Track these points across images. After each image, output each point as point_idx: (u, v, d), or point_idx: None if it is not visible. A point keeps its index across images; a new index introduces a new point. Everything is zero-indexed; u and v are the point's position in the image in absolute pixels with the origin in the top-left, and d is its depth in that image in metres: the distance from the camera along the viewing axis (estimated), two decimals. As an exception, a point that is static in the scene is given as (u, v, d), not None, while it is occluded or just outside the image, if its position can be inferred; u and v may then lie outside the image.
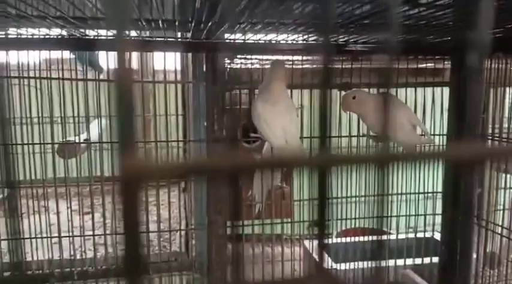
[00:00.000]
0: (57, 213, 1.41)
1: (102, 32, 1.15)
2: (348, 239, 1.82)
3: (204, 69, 1.30)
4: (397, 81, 1.42)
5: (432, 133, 1.42)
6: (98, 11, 0.92)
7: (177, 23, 1.05)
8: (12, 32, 1.16)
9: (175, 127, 1.59)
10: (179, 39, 1.30)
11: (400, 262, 1.61)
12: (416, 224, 1.58)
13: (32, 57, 1.36)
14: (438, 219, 1.56)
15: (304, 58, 1.45)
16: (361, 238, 1.79)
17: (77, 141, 1.51)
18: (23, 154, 1.40)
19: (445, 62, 1.50)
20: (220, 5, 0.84)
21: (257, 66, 1.48)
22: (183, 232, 1.65)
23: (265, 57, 1.47)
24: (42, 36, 1.18)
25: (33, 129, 1.37)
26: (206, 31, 1.10)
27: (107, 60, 1.38)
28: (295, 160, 0.23)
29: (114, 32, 0.18)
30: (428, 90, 1.52)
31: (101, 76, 1.47)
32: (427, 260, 1.59)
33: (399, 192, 1.56)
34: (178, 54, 1.46)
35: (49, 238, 1.40)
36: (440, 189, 1.57)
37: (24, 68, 1.36)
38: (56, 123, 1.37)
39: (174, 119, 1.56)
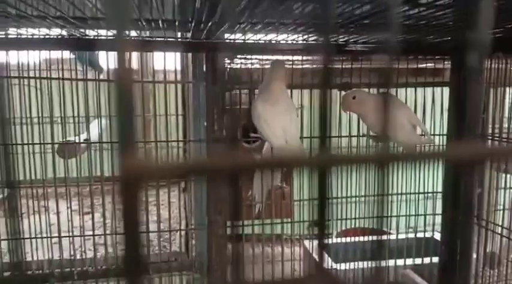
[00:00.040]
0: (57, 213, 1.41)
1: (102, 32, 1.15)
2: (348, 239, 1.82)
3: (204, 69, 1.30)
4: (397, 81, 1.42)
5: (432, 133, 1.42)
6: (98, 11, 0.92)
7: (177, 23, 1.05)
8: (12, 32, 1.16)
9: (175, 127, 1.59)
10: (179, 39, 1.30)
11: (400, 262, 1.61)
12: (416, 224, 1.58)
13: (32, 57, 1.35)
14: (438, 219, 1.56)
15: (304, 58, 1.45)
16: (361, 238, 1.79)
17: (77, 141, 1.51)
18: (23, 154, 1.40)
19: (445, 62, 1.50)
20: (220, 5, 0.84)
21: (257, 66, 1.48)
22: (183, 232, 1.65)
23: (265, 57, 1.47)
24: (42, 36, 1.18)
25: (33, 129, 1.37)
26: (206, 31, 1.10)
27: (107, 60, 1.38)
28: (295, 160, 0.23)
29: (114, 32, 0.18)
30: (428, 90, 1.52)
31: (101, 76, 1.47)
32: (427, 260, 1.59)
33: (399, 192, 1.56)
34: (178, 54, 1.46)
35: (49, 238, 1.40)
36: (440, 189, 1.57)
37: (24, 67, 1.36)
38: (56, 123, 1.37)
39: (174, 119, 1.56)
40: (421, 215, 1.58)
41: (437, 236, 1.67)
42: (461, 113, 1.34)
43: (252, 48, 1.27)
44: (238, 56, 1.39)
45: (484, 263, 1.42)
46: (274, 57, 1.34)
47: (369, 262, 1.61)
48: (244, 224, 1.47)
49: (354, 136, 1.47)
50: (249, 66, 1.48)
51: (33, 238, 1.39)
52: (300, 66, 1.52)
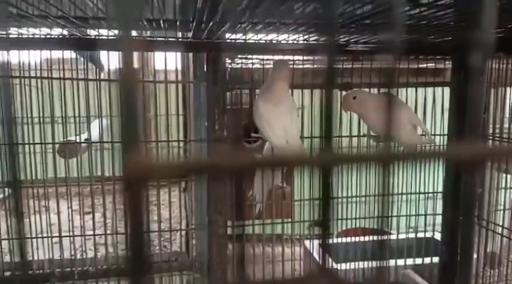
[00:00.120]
0: (58, 213, 1.41)
1: (104, 31, 1.15)
2: (349, 239, 1.82)
3: (205, 69, 1.30)
4: (398, 81, 1.42)
5: (433, 133, 1.42)
6: (99, 11, 0.92)
7: (178, 23, 1.05)
8: (14, 31, 1.16)
9: (176, 127, 1.59)
10: (180, 39, 1.30)
11: (400, 262, 1.61)
12: (416, 224, 1.58)
13: (33, 57, 1.35)
14: (438, 219, 1.56)
15: (305, 58, 1.45)
16: (362, 238, 1.79)
17: (78, 140, 1.51)
18: (24, 153, 1.40)
19: (446, 62, 1.50)
20: (221, 5, 0.84)
21: (258, 66, 1.48)
22: (183, 232, 1.65)
23: (266, 57, 1.47)
24: (43, 36, 1.18)
25: (34, 129, 1.37)
26: (207, 31, 1.10)
27: (108, 59, 1.38)
28: (298, 159, 0.23)
29: (120, 31, 0.18)
30: (429, 90, 1.52)
31: (102, 76, 1.47)
32: (427, 260, 1.59)
33: (400, 192, 1.56)
34: (179, 54, 1.46)
35: (50, 238, 1.40)
36: (440, 189, 1.57)
37: (25, 67, 1.36)
38: (56, 122, 1.37)
39: (174, 119, 1.56)
40: (422, 215, 1.58)
41: (438, 236, 1.67)
42: (462, 113, 1.34)
43: (253, 48, 1.27)
44: (239, 56, 1.39)
45: (484, 263, 1.42)
46: (275, 57, 1.34)
47: (370, 262, 1.61)
48: (244, 224, 1.47)
49: (355, 136, 1.47)
50: (250, 66, 1.48)
51: (34, 237, 1.39)
52: (301, 66, 1.52)
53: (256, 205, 1.52)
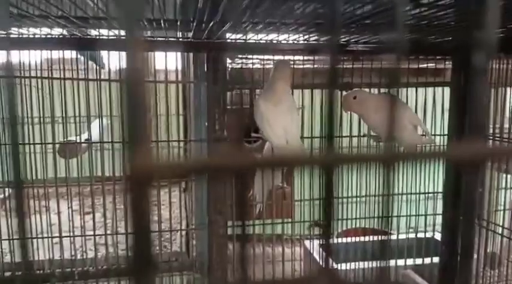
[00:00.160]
0: (58, 213, 1.41)
1: (104, 31, 1.15)
2: (349, 239, 1.82)
3: (205, 69, 1.30)
4: (399, 81, 1.42)
5: (433, 133, 1.42)
6: (100, 11, 0.92)
7: (178, 23, 1.05)
8: (14, 31, 1.16)
9: (176, 127, 1.59)
10: (180, 39, 1.30)
11: (400, 262, 1.61)
12: (417, 224, 1.58)
13: (33, 57, 1.35)
14: (439, 219, 1.56)
15: (305, 58, 1.45)
16: (362, 238, 1.79)
17: (78, 140, 1.51)
18: (24, 154, 1.40)
19: (446, 62, 1.50)
20: (222, 4, 0.84)
21: (258, 66, 1.48)
22: (183, 232, 1.65)
23: (266, 57, 1.47)
24: (44, 36, 1.18)
25: (34, 129, 1.37)
26: (208, 31, 1.10)
27: (108, 59, 1.38)
28: (298, 159, 0.23)
29: (127, 31, 0.18)
30: (429, 90, 1.52)
31: (102, 76, 1.47)
32: (427, 260, 1.59)
33: (400, 192, 1.56)
34: (179, 54, 1.46)
35: (50, 238, 1.40)
36: (440, 189, 1.57)
37: (25, 67, 1.36)
38: (57, 122, 1.37)
39: (175, 119, 1.56)
40: (422, 215, 1.58)
41: (438, 236, 1.68)
42: (462, 113, 1.34)
43: (253, 48, 1.27)
44: (240, 56, 1.39)
45: (484, 263, 1.42)
46: (276, 57, 1.34)
47: (370, 262, 1.61)
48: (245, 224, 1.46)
49: (355, 136, 1.47)
50: (250, 66, 1.48)
51: (34, 238, 1.39)
52: (301, 66, 1.52)
53: (256, 205, 1.52)
